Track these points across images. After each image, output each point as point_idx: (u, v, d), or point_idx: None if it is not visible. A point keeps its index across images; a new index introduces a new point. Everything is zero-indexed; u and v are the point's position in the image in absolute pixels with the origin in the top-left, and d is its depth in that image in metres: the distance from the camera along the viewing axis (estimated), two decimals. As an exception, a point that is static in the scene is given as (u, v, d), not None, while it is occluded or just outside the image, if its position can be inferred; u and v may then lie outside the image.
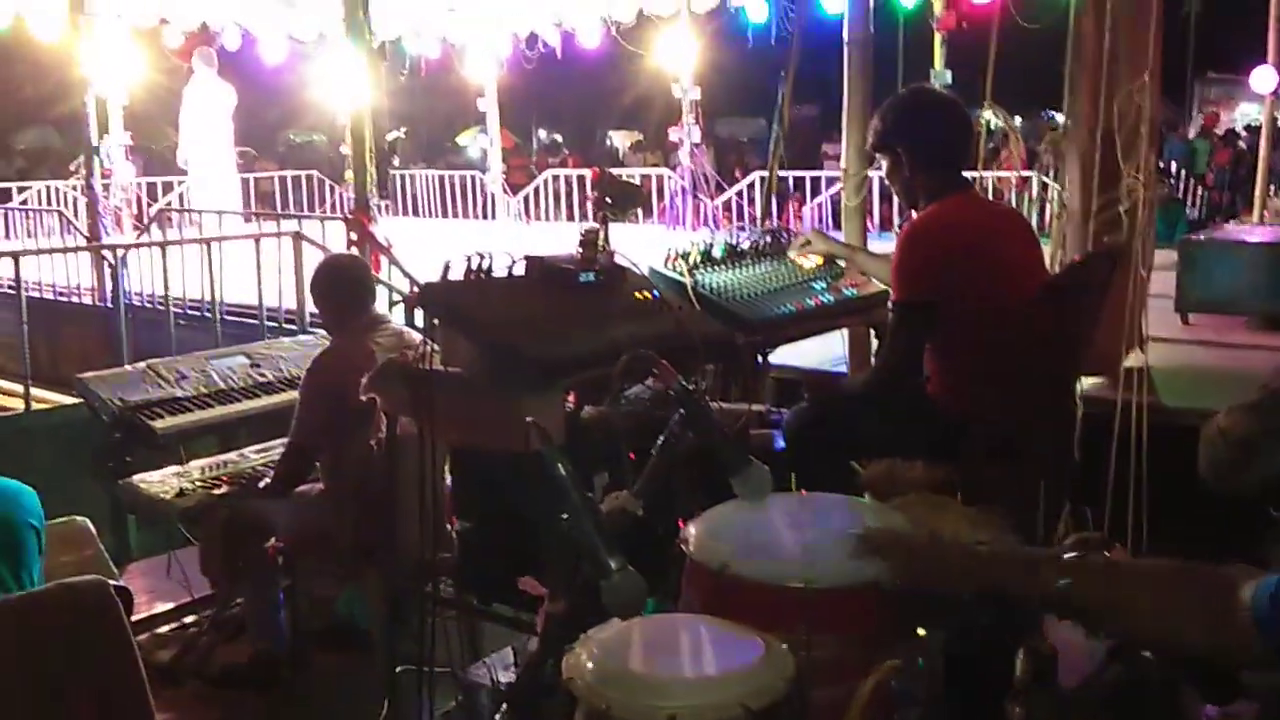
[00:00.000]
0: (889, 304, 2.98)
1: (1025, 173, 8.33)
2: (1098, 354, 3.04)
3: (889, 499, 2.17)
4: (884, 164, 2.97)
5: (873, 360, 4.04)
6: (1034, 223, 7.49)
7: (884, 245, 6.64)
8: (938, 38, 10.12)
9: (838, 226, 10.56)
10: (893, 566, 1.60)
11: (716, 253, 3.41)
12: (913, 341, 2.84)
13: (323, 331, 5.43)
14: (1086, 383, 3.05)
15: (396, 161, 14.74)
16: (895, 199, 9.88)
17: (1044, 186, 7.04)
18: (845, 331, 3.99)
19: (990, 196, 9.00)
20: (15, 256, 6.21)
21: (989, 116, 4.69)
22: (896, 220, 9.23)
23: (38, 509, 2.38)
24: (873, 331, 3.78)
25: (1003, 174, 8.94)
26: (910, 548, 1.64)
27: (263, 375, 4.21)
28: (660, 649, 1.50)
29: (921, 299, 2.79)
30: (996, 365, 2.72)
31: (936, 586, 1.62)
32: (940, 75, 10.02)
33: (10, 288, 7.30)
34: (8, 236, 10.63)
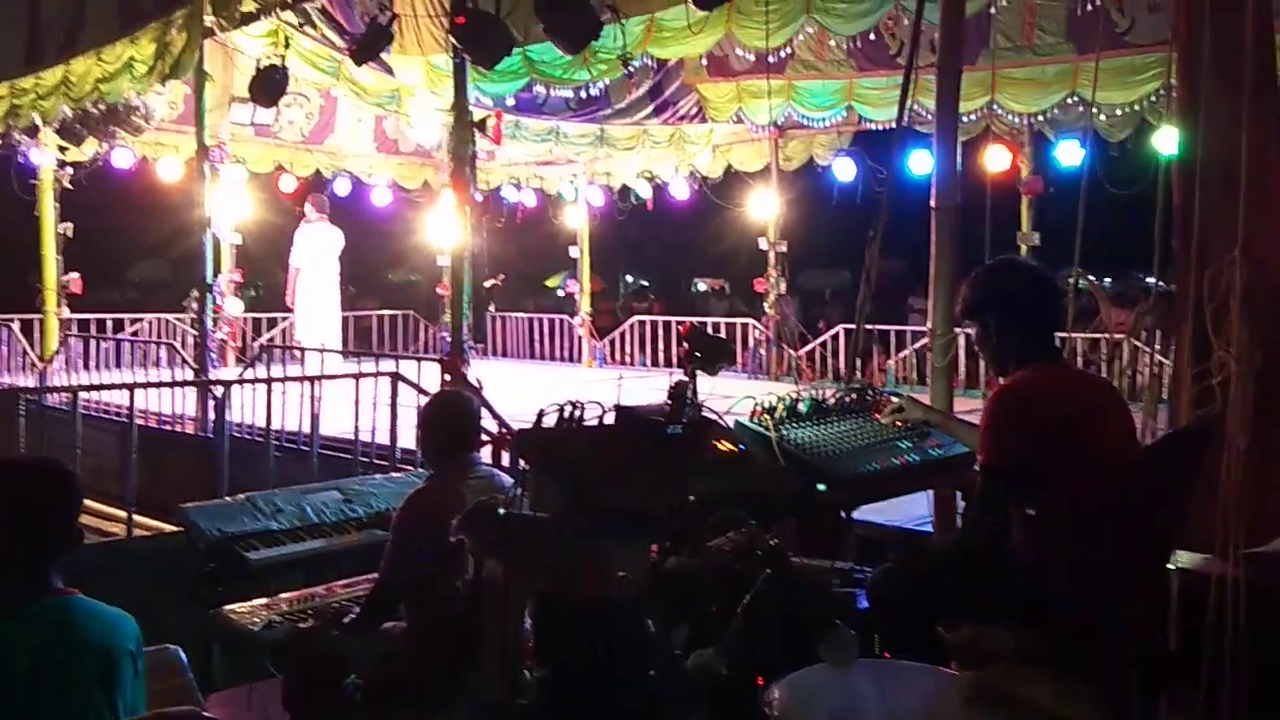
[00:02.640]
0: (976, 467, 2.98)
1: (1117, 336, 8.26)
2: (1192, 528, 2.98)
3: (976, 668, 2.14)
4: (973, 332, 3.01)
5: (959, 522, 4.00)
6: (1125, 388, 7.41)
7: (970, 403, 6.61)
8: (1024, 200, 10.27)
9: (922, 380, 10.58)
10: None
11: (802, 408, 3.46)
12: (999, 506, 2.82)
13: (413, 469, 5.58)
14: (1182, 558, 2.98)
15: (493, 308, 15.22)
16: (980, 357, 9.84)
17: (1135, 351, 6.98)
18: (930, 492, 3.97)
19: (1080, 361, 8.93)
20: (130, 389, 6.54)
21: (1075, 279, 4.72)
22: (982, 378, 9.19)
23: (135, 634, 2.45)
24: (959, 494, 3.75)
25: (1093, 336, 8.89)
26: (1019, 708, 1.62)
27: (354, 511, 4.33)
28: (744, 814, 1.50)
29: (1008, 464, 2.79)
30: (1088, 537, 2.68)
31: None
32: (1027, 237, 10.13)
33: (117, 415, 7.66)
34: (119, 365, 11.14)
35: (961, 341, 4.53)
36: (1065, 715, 1.93)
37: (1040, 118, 9.54)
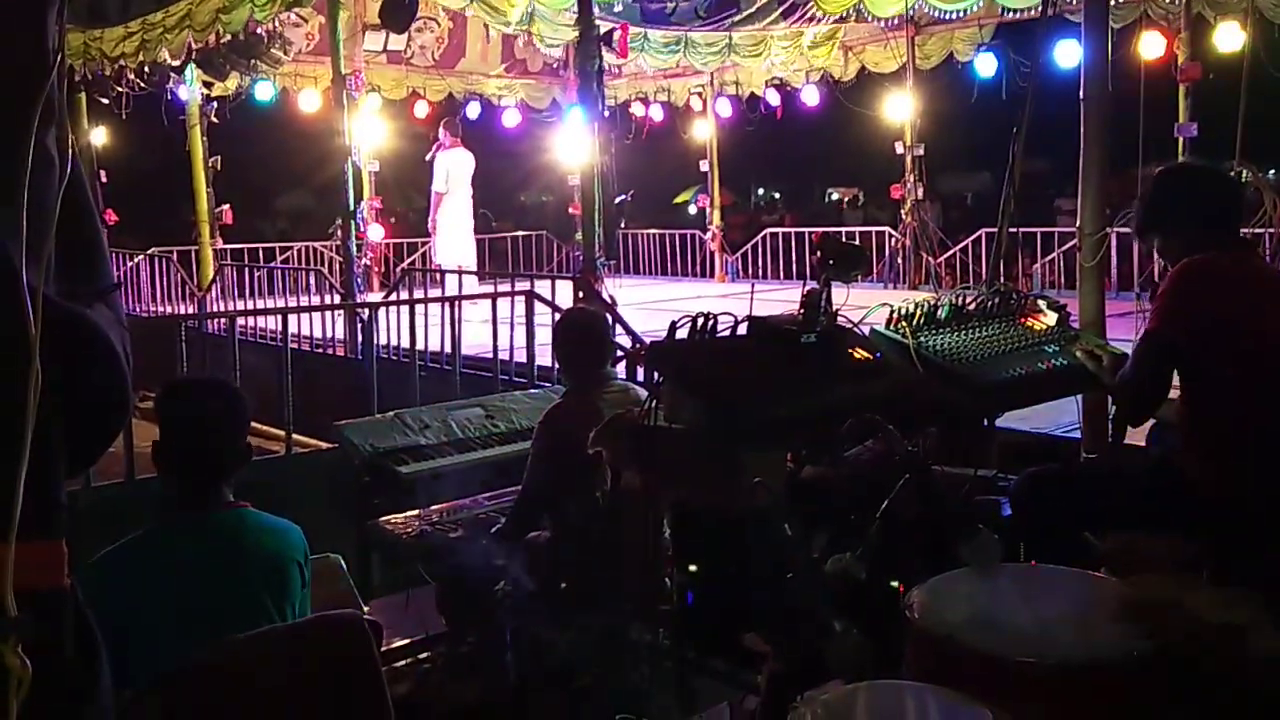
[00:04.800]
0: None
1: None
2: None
3: (1128, 575, 2.08)
4: (1155, 243, 2.92)
5: (1109, 428, 3.87)
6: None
7: (1123, 305, 6.31)
8: (1181, 89, 9.61)
9: (1070, 285, 10.16)
10: (1155, 634, 1.54)
11: (941, 314, 3.36)
12: (1155, 372, 2.72)
13: (550, 385, 5.69)
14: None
15: (624, 224, 15.26)
16: (1135, 257, 9.40)
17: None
18: (1080, 397, 3.83)
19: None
20: (283, 314, 6.83)
21: (1237, 170, 4.43)
22: (1135, 279, 8.77)
23: (303, 545, 2.59)
24: (1110, 399, 3.61)
25: (1257, 231, 8.34)
26: (1176, 616, 1.58)
27: (496, 426, 4.44)
28: (886, 716, 1.50)
29: (1176, 331, 2.68)
30: (1259, 437, 2.56)
31: (1198, 663, 1.55)
32: (1185, 128, 9.50)
33: (273, 340, 8.02)
34: (271, 292, 11.64)
35: (1113, 241, 4.29)
36: (1224, 624, 1.86)
37: (1200, -1, 8.88)
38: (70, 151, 0.92)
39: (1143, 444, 3.49)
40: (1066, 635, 1.57)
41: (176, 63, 10.66)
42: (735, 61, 12.12)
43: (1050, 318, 3.51)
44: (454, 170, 11.63)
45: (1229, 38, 9.16)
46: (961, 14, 10.31)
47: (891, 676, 1.69)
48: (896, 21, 10.76)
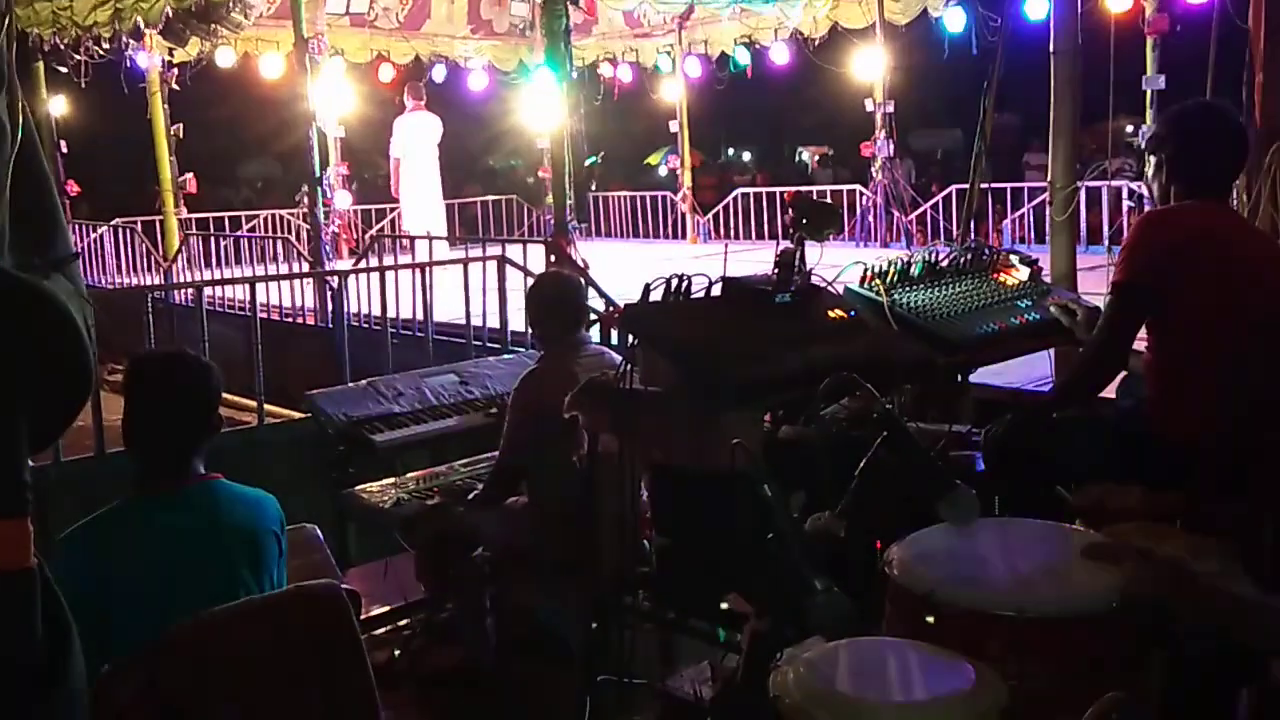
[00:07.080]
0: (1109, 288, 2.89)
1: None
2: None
3: (1102, 526, 2.09)
4: (1151, 163, 2.93)
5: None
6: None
7: (1092, 259, 6.35)
8: (1149, 41, 9.60)
9: (1040, 240, 10.21)
10: (1128, 577, 1.55)
11: (914, 271, 3.37)
12: (1128, 325, 2.75)
13: (524, 350, 5.67)
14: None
15: (594, 186, 15.14)
16: (1104, 210, 9.44)
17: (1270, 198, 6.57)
18: (1052, 351, 3.86)
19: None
20: (251, 283, 6.75)
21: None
22: (1106, 233, 8.81)
23: (279, 515, 2.56)
24: (1081, 350, 3.63)
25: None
26: (1148, 561, 1.59)
27: (471, 393, 4.41)
28: (869, 672, 1.50)
29: (1141, 280, 2.70)
30: (1229, 385, 2.58)
31: (1171, 608, 1.56)
32: (1152, 81, 9.50)
33: (241, 310, 7.94)
34: (238, 262, 11.50)
35: (1083, 195, 4.31)
36: (1196, 572, 1.88)
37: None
38: (23, 118, 0.88)
39: (1112, 396, 3.52)
40: (1045, 588, 1.58)
41: (150, 31, 10.42)
42: (743, 9, 11.93)
43: (1022, 272, 3.53)
44: (415, 134, 11.47)
45: (1196, -11, 9.13)
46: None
47: (872, 633, 1.70)
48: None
